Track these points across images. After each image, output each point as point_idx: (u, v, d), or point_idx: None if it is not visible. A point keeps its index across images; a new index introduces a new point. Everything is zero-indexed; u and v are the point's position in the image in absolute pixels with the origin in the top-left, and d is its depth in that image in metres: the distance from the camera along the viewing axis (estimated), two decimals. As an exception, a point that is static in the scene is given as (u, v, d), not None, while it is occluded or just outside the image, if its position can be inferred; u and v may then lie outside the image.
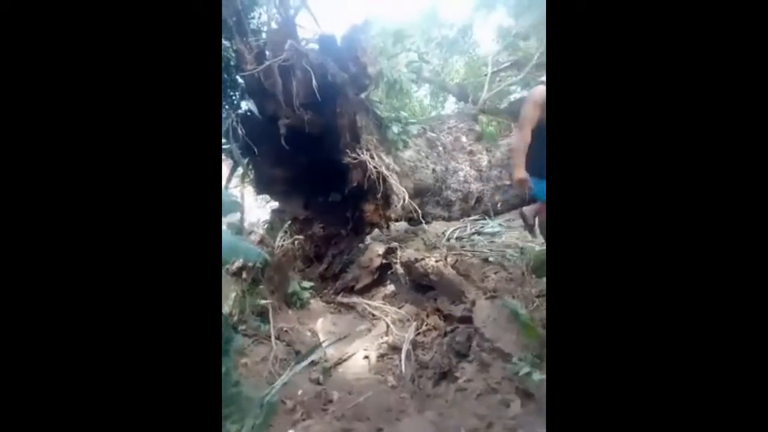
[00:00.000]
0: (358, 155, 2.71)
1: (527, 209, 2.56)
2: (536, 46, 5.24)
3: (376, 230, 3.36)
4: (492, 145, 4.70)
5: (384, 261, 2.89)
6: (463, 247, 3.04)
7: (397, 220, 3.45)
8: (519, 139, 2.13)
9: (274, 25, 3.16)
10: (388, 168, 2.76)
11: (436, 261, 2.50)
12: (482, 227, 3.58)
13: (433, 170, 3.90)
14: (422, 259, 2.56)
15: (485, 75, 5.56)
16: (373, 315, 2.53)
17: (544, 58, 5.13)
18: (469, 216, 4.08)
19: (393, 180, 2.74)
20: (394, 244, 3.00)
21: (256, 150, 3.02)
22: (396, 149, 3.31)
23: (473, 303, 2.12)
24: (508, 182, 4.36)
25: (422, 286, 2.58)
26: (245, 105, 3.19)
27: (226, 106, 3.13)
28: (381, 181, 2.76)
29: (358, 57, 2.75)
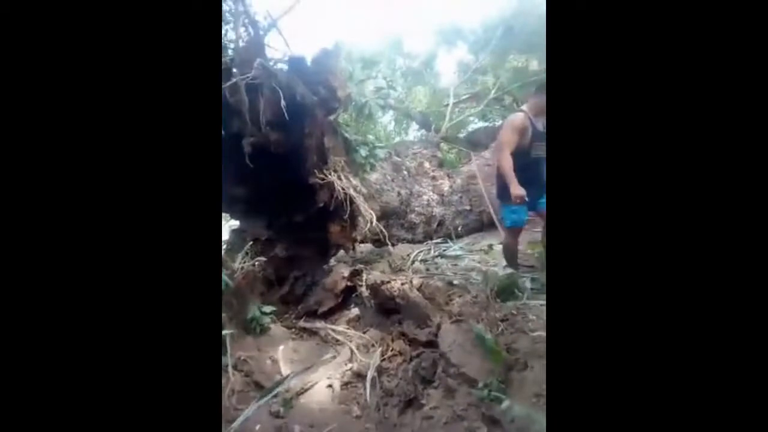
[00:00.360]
0: (326, 176, 2.69)
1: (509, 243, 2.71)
2: (493, 82, 5.65)
3: (341, 252, 3.31)
4: (453, 171, 4.90)
5: (349, 284, 2.83)
6: (428, 269, 3.07)
7: (362, 242, 3.43)
8: (504, 159, 2.38)
9: (241, 43, 3.12)
10: (355, 189, 2.76)
11: (402, 284, 2.50)
12: (445, 250, 3.67)
13: (399, 193, 3.97)
14: (388, 281, 2.55)
15: (446, 105, 5.86)
16: (337, 340, 2.45)
17: (500, 93, 5.54)
18: (431, 239, 4.18)
19: (360, 201, 2.75)
20: (360, 266, 2.96)
21: (217, 167, 2.89)
22: (363, 172, 3.33)
23: (438, 327, 2.13)
24: (468, 207, 4.54)
25: (387, 309, 2.55)
26: (207, 120, 3.06)
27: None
28: (348, 202, 2.75)
29: (328, 80, 2.77)
